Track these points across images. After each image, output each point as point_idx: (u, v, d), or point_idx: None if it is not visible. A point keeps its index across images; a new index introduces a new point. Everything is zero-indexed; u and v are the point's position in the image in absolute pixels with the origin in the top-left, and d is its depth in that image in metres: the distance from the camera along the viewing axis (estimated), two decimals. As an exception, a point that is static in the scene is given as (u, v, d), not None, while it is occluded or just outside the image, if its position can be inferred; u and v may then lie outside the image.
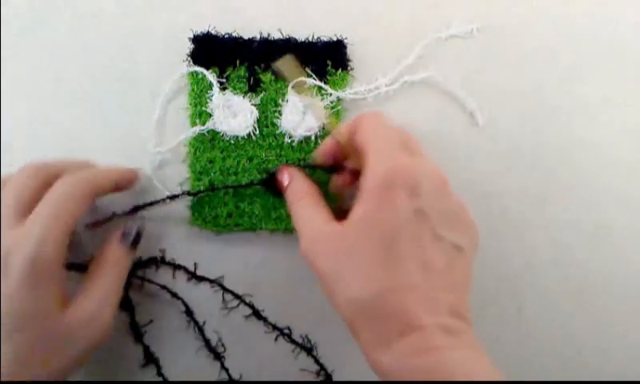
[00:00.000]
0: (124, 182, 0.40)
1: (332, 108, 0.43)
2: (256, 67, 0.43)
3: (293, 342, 0.44)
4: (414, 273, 0.30)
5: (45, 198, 0.34)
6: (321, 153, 0.39)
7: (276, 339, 0.44)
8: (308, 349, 0.44)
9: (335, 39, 0.44)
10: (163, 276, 0.44)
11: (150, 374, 0.44)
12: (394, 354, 0.29)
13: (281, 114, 0.43)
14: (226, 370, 0.44)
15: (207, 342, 0.43)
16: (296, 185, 0.37)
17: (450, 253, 0.31)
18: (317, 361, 0.44)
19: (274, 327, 0.44)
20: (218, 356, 0.44)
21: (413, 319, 0.29)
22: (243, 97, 0.43)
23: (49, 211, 0.33)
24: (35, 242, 0.31)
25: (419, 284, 0.30)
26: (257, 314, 0.44)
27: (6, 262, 0.31)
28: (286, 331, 0.44)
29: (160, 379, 0.43)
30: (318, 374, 0.44)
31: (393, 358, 0.29)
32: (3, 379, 0.30)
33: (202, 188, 0.43)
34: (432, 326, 0.29)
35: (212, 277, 0.44)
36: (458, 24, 0.45)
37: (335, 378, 0.44)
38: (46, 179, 0.35)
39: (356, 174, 0.36)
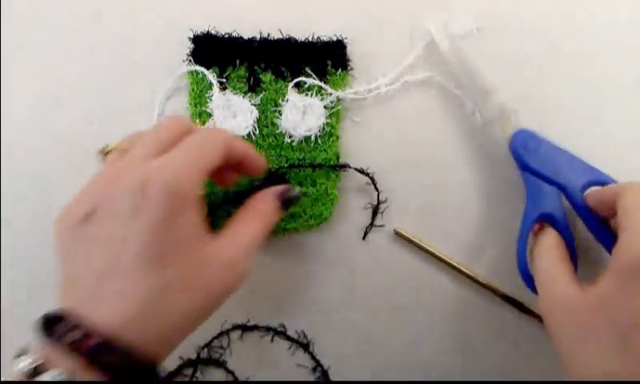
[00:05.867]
0: (251, 165, 0.38)
1: (332, 108, 0.43)
2: (256, 67, 0.44)
3: (288, 338, 0.44)
4: None
5: (182, 141, 0.33)
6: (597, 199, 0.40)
7: (272, 340, 0.44)
8: (304, 345, 0.44)
9: (335, 39, 0.44)
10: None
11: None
12: None
13: (281, 114, 0.44)
14: (226, 370, 0.44)
15: (209, 342, 0.44)
16: (548, 238, 0.39)
17: None
18: (313, 357, 0.44)
19: (268, 329, 0.44)
20: (218, 361, 0.44)
21: None
22: (243, 97, 0.44)
23: (184, 152, 0.32)
24: (172, 172, 0.30)
25: None
26: (244, 327, 0.44)
27: (143, 190, 0.30)
28: (280, 329, 0.44)
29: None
30: (314, 370, 0.44)
31: None
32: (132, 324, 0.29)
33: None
34: None
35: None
36: (458, 24, 0.45)
37: (332, 376, 0.44)
38: (185, 129, 0.35)
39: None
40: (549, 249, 0.38)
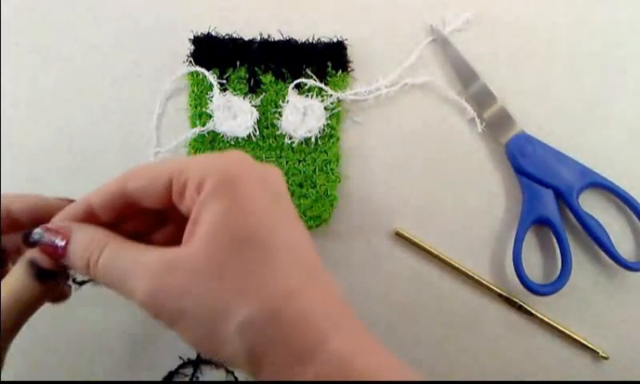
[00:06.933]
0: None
1: (332, 109, 0.44)
2: (256, 68, 0.44)
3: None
4: (292, 272, 0.26)
5: None
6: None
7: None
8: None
9: (336, 40, 0.45)
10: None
11: (151, 374, 0.44)
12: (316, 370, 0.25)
13: (281, 115, 0.44)
14: (226, 370, 0.44)
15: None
16: (85, 235, 0.28)
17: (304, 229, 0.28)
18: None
19: None
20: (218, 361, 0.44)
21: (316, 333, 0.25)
22: (243, 98, 0.44)
23: None
24: None
25: (301, 285, 0.26)
26: None
27: None
28: None
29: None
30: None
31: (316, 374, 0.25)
32: None
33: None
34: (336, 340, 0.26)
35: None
36: (456, 24, 0.45)
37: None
38: None
39: None
40: (104, 241, 0.28)
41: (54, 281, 0.29)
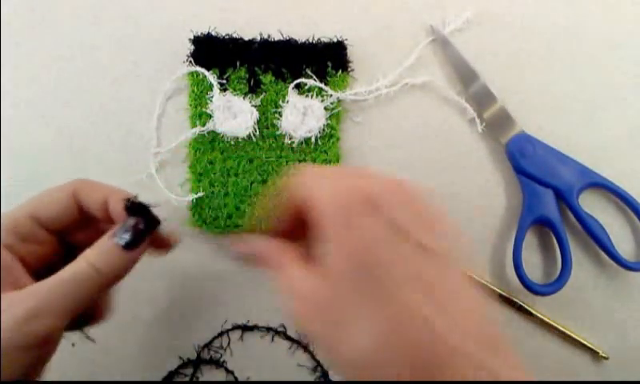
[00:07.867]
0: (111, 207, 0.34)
1: (332, 109, 0.44)
2: (256, 68, 0.44)
3: (288, 338, 0.45)
4: (415, 297, 0.26)
5: None
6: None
7: (272, 340, 0.45)
8: (304, 345, 0.45)
9: (336, 40, 0.45)
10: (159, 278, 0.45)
11: (151, 374, 0.44)
12: None
13: (281, 115, 0.44)
14: (226, 370, 0.45)
15: (209, 342, 0.45)
16: (271, 250, 0.31)
17: (439, 261, 0.27)
18: (313, 357, 0.45)
19: (268, 329, 0.45)
20: (218, 361, 0.45)
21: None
22: (243, 98, 0.44)
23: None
24: None
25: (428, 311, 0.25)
26: (244, 327, 0.45)
27: None
28: (280, 329, 0.45)
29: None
30: (314, 370, 0.45)
31: None
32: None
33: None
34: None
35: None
36: (456, 24, 0.45)
37: (332, 376, 0.45)
38: None
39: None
40: (283, 261, 0.30)
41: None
